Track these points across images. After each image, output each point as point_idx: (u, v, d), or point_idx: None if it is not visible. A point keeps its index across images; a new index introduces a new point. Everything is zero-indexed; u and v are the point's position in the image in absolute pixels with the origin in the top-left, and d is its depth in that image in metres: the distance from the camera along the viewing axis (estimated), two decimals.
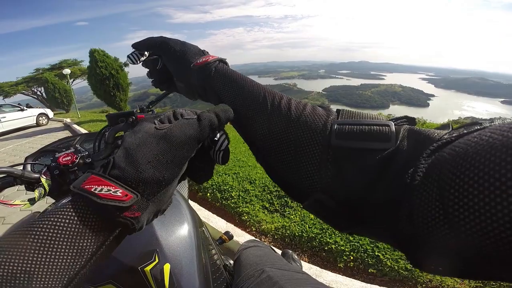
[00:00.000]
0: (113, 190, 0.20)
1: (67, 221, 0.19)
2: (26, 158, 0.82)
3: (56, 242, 0.18)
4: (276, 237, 1.76)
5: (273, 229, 1.80)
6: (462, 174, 0.14)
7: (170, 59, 0.35)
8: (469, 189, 0.13)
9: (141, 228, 0.22)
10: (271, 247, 0.84)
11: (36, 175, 0.68)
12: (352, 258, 1.50)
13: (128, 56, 0.39)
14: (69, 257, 0.18)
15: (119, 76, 8.61)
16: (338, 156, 0.22)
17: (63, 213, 0.19)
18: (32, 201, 0.63)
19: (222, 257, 0.84)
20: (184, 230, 0.60)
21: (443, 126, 0.20)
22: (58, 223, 0.19)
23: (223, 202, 2.16)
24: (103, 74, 8.30)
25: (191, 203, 2.06)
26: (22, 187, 0.71)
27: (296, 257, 1.29)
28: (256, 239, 0.97)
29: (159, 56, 0.38)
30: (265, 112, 0.28)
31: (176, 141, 0.23)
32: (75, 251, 0.18)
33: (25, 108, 9.46)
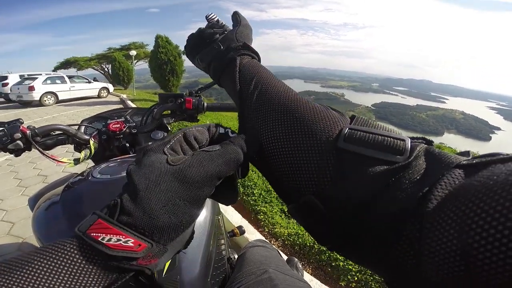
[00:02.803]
0: (123, 240, 0.18)
1: (69, 259, 0.17)
2: (82, 121, 0.91)
3: (55, 279, 0.17)
4: (286, 242, 1.74)
5: (285, 234, 1.77)
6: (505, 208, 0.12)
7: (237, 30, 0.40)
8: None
9: (160, 269, 0.21)
10: (278, 251, 0.84)
11: (87, 137, 0.76)
12: (356, 279, 1.42)
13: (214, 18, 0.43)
14: None
15: (176, 63, 9.24)
16: (343, 160, 0.20)
17: (66, 249, 0.18)
18: (76, 161, 0.70)
19: (229, 249, 0.86)
20: (202, 215, 0.60)
21: (463, 153, 0.18)
22: (59, 260, 0.17)
23: (244, 197, 2.19)
24: (163, 59, 8.99)
25: None
26: (69, 150, 0.81)
27: (300, 266, 1.25)
28: (265, 240, 0.97)
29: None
30: (275, 100, 0.27)
31: (195, 180, 0.20)
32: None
33: (92, 81, 10.82)
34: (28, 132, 0.63)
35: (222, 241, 0.75)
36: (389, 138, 0.20)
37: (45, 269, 0.17)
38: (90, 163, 0.78)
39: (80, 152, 0.73)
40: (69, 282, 0.17)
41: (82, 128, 0.86)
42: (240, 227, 1.08)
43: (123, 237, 0.18)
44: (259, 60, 0.38)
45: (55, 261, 0.17)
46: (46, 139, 0.69)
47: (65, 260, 0.17)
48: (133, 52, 11.54)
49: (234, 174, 0.26)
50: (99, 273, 0.18)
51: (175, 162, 0.21)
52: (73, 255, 0.18)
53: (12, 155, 0.63)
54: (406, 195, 0.17)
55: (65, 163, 0.67)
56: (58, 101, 9.32)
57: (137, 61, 21.53)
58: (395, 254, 0.17)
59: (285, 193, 0.25)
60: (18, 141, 0.61)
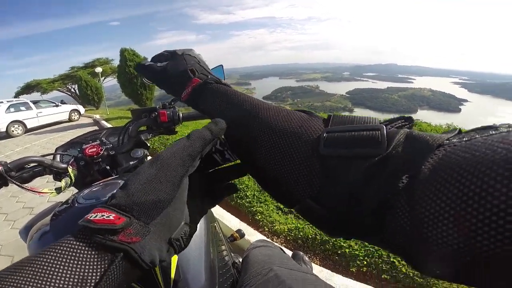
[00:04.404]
0: (106, 215, 0.20)
1: (68, 248, 0.19)
2: (56, 149, 0.87)
3: (57, 270, 0.18)
4: (288, 238, 1.75)
5: (286, 230, 1.79)
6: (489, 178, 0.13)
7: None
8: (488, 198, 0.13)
9: (152, 259, 0.21)
10: (281, 248, 0.84)
11: (64, 165, 0.72)
12: (365, 263, 1.45)
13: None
14: (71, 286, 0.18)
15: None
16: (327, 165, 0.21)
17: (66, 242, 0.20)
18: (58, 190, 0.66)
19: (232, 254, 0.85)
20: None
21: (451, 131, 0.19)
22: (60, 250, 0.19)
23: (238, 201, 2.18)
24: (132, 73, 8.71)
25: None
26: (51, 179, 0.77)
27: (307, 259, 1.27)
28: (267, 239, 0.98)
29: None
30: (252, 120, 0.28)
31: (165, 161, 0.24)
32: (76, 279, 0.18)
33: (59, 104, 10.20)
34: (0, 168, 0.59)
35: (223, 247, 0.75)
36: (364, 132, 0.20)
37: (48, 264, 0.18)
38: (74, 189, 0.75)
39: (60, 181, 0.70)
40: (69, 273, 0.18)
41: (58, 156, 0.82)
42: (239, 231, 1.07)
43: (107, 213, 0.21)
44: (208, 73, 0.37)
45: (56, 254, 0.19)
46: (21, 173, 0.66)
47: (64, 251, 0.19)
48: (98, 69, 11.12)
49: (216, 159, 0.32)
50: (91, 256, 0.19)
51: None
52: (72, 244, 0.20)
53: None
54: (390, 183, 0.18)
55: (47, 193, 0.64)
56: (27, 130, 8.69)
57: (104, 78, 20.75)
58: (391, 230, 0.18)
59: (283, 199, 0.27)
60: None
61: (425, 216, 0.15)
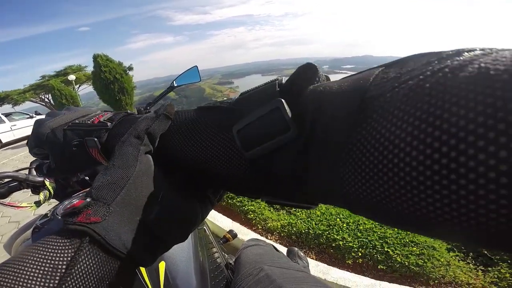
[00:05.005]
0: (73, 203, 0.21)
1: (44, 242, 0.20)
2: (31, 163, 0.83)
3: (31, 262, 0.18)
4: (282, 234, 1.76)
5: (279, 226, 1.80)
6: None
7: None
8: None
9: (126, 245, 0.20)
10: (273, 246, 0.84)
11: (41, 179, 0.69)
12: (360, 254, 1.48)
13: None
14: (41, 275, 0.17)
15: (123, 80, 8.72)
16: (258, 168, 0.20)
17: (44, 239, 0.20)
18: (38, 203, 0.64)
19: (226, 255, 0.84)
20: None
21: (375, 68, 0.16)
22: (38, 245, 0.19)
23: (229, 201, 2.17)
24: (108, 79, 8.43)
25: None
26: (30, 195, 0.73)
27: (302, 254, 1.27)
28: (258, 239, 0.98)
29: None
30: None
31: (118, 148, 0.25)
32: (47, 268, 0.18)
33: (34, 115, 9.65)
34: None
35: (214, 249, 0.75)
36: (265, 119, 0.18)
37: (24, 258, 0.18)
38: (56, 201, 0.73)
39: (38, 194, 0.67)
40: (41, 263, 0.18)
41: (34, 170, 0.78)
42: (231, 231, 1.07)
43: (73, 200, 0.22)
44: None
45: (34, 249, 0.19)
46: None
47: (40, 244, 0.19)
48: (72, 77, 10.70)
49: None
50: (61, 244, 0.19)
51: None
52: (48, 238, 0.20)
53: None
54: (327, 166, 0.16)
55: (25, 207, 0.63)
56: (2, 145, 8.13)
57: (79, 86, 19.95)
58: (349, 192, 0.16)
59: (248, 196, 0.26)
60: None
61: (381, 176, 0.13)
